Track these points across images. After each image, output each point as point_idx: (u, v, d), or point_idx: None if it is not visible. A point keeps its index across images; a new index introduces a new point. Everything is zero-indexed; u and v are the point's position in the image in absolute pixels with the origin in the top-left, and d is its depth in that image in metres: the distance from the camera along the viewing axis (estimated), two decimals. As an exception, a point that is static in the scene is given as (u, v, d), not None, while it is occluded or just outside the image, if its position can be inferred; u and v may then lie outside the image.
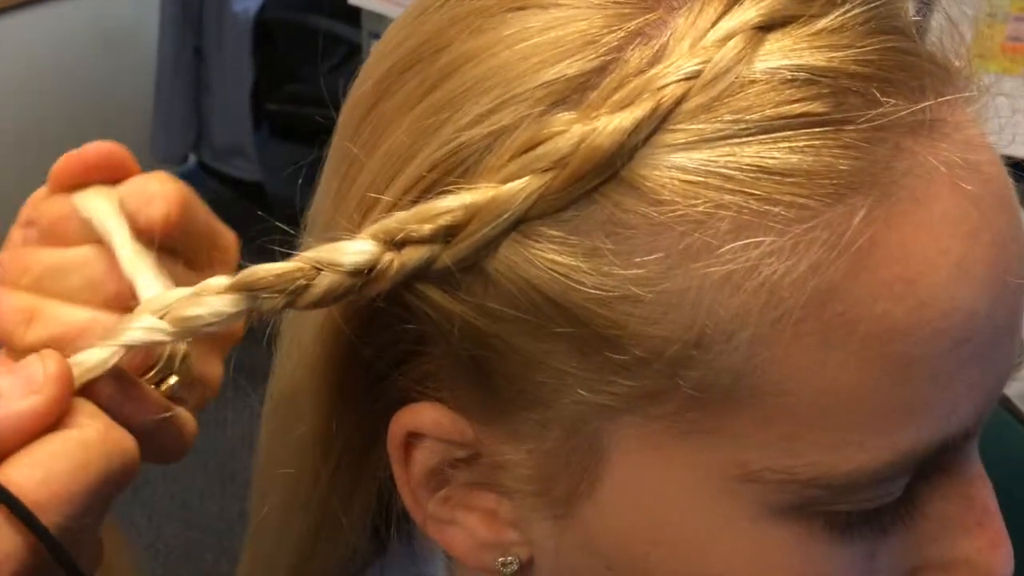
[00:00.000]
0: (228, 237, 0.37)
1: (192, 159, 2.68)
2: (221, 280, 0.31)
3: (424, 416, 0.35)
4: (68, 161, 0.36)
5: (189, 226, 0.35)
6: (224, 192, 2.73)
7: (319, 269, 0.31)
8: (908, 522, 0.34)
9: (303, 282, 0.30)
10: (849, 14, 0.31)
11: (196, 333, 0.30)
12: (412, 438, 0.35)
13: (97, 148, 0.36)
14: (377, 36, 1.78)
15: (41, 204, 0.36)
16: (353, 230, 0.33)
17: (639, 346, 0.30)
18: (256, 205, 2.65)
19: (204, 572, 1.85)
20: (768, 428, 0.31)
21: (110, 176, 0.36)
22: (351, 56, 2.44)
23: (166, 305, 0.30)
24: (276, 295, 0.30)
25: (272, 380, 0.41)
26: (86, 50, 2.67)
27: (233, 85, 2.46)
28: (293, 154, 2.82)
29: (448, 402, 0.35)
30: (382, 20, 1.74)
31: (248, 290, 0.30)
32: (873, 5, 0.32)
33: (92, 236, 0.35)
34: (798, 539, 0.32)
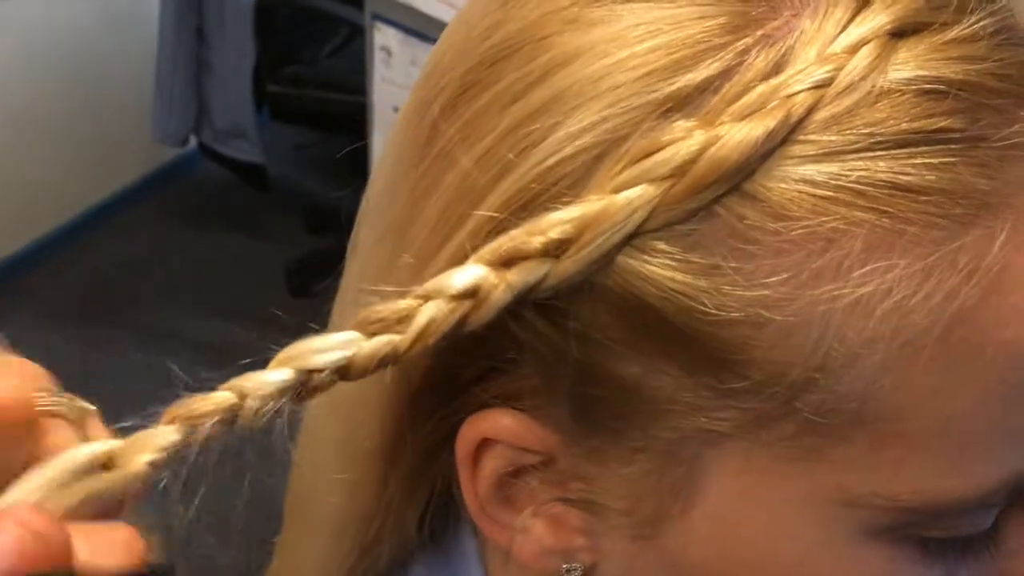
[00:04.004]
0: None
1: (192, 141, 2.68)
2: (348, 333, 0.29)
3: (502, 423, 0.33)
4: None
5: None
6: (224, 174, 2.72)
7: (426, 299, 0.29)
8: (990, 543, 0.33)
9: (406, 314, 0.28)
10: (979, 24, 0.30)
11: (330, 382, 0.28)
12: (485, 443, 0.34)
13: None
14: (380, 18, 1.78)
15: None
16: (438, 240, 0.32)
17: (759, 370, 0.29)
18: (256, 187, 2.65)
19: (205, 556, 1.86)
20: (879, 453, 0.30)
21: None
22: (353, 38, 2.43)
23: (292, 356, 0.28)
24: (382, 335, 0.28)
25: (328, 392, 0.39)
26: (87, 30, 2.66)
27: (234, 66, 2.45)
28: (294, 136, 2.82)
29: (530, 413, 0.33)
30: (385, 1, 1.73)
31: (365, 330, 0.29)
32: (1001, 16, 0.30)
33: None
34: (890, 563, 0.32)
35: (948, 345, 0.29)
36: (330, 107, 2.38)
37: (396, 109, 1.82)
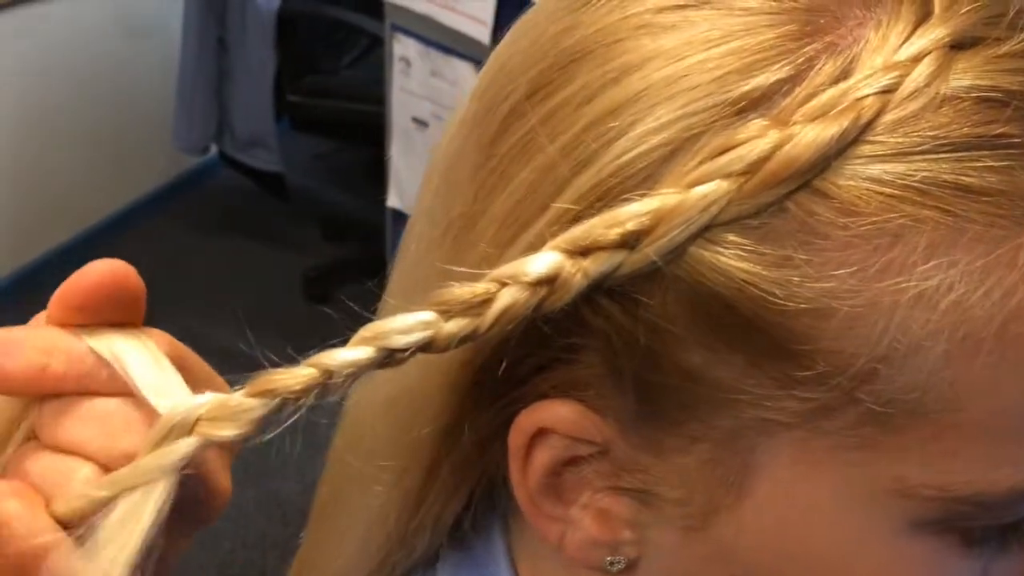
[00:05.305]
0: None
1: (213, 149, 2.70)
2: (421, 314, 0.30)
3: (560, 412, 0.34)
4: (74, 290, 0.31)
5: None
6: (244, 182, 2.74)
7: (503, 284, 0.30)
8: (1022, 535, 0.34)
9: (486, 298, 0.30)
10: None
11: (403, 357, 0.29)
12: (540, 433, 0.34)
13: (112, 273, 0.31)
14: (400, 29, 1.78)
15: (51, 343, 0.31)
16: (512, 231, 0.33)
17: (824, 360, 0.30)
18: (275, 196, 2.67)
19: (221, 560, 1.86)
20: (933, 444, 0.31)
21: (121, 315, 0.32)
22: (373, 49, 2.44)
23: (374, 335, 0.29)
24: (463, 317, 0.30)
25: (376, 380, 0.39)
26: (109, 39, 2.68)
27: (255, 76, 2.47)
28: (313, 146, 2.83)
29: (588, 403, 0.34)
30: (404, 13, 1.74)
31: (442, 309, 0.30)
32: None
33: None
34: (932, 554, 0.33)
35: (1004, 340, 0.30)
36: (349, 117, 2.39)
37: (414, 119, 1.82)
